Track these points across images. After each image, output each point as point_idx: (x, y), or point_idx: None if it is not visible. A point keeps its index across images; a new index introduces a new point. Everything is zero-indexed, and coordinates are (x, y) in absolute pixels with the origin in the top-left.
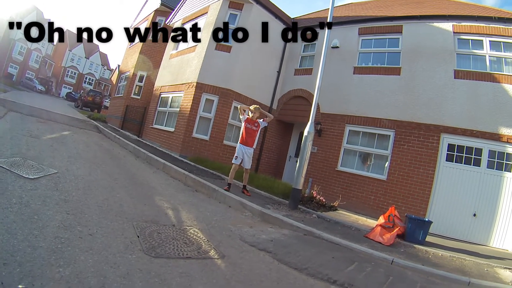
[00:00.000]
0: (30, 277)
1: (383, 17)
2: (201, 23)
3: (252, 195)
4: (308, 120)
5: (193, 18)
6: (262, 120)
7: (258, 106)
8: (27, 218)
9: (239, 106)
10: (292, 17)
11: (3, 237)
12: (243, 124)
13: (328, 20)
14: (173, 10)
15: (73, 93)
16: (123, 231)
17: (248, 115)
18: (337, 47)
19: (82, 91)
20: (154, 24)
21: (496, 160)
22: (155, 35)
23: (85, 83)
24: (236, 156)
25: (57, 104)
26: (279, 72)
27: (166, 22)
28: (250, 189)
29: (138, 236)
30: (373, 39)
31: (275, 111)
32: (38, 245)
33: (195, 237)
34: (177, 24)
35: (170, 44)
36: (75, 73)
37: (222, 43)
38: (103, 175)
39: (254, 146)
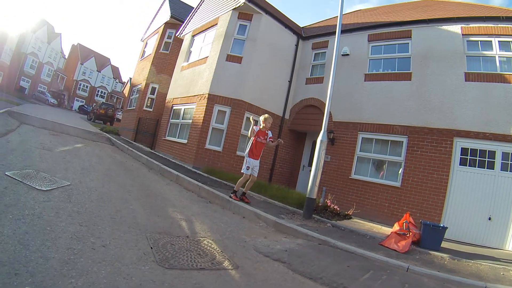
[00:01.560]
0: (42, 287)
1: (392, 22)
2: (211, 34)
3: (266, 205)
4: (321, 129)
5: (203, 30)
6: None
7: (268, 116)
8: (39, 229)
9: (250, 117)
10: (301, 26)
11: (15, 248)
12: (253, 137)
13: (337, 28)
14: (183, 22)
15: (86, 106)
16: (136, 243)
17: (260, 126)
18: (347, 54)
19: (94, 104)
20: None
21: (510, 162)
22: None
23: (97, 96)
24: (248, 167)
25: (69, 117)
26: (290, 81)
27: (176, 35)
28: (263, 200)
29: (151, 248)
30: (383, 45)
31: (287, 120)
32: (51, 256)
33: (209, 248)
34: (187, 36)
35: (181, 56)
36: (87, 86)
37: (233, 54)
38: (116, 187)
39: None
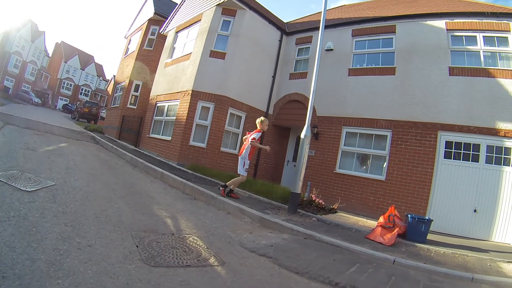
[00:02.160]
0: None
1: (376, 17)
2: (194, 30)
3: (251, 201)
4: (305, 124)
5: (187, 26)
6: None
7: (264, 118)
8: (25, 230)
9: (260, 120)
10: (285, 21)
11: (1, 250)
12: (251, 142)
13: (321, 23)
14: (167, 18)
15: (70, 104)
16: (122, 241)
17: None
18: (331, 49)
19: (78, 102)
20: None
21: (494, 154)
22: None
23: (81, 94)
24: (247, 169)
25: (53, 116)
26: (274, 77)
27: (160, 31)
28: (248, 195)
29: (137, 246)
30: (367, 40)
31: (271, 116)
32: (37, 257)
33: (194, 245)
34: (171, 33)
35: (165, 52)
36: (71, 85)
37: (216, 50)
38: (101, 186)
39: None
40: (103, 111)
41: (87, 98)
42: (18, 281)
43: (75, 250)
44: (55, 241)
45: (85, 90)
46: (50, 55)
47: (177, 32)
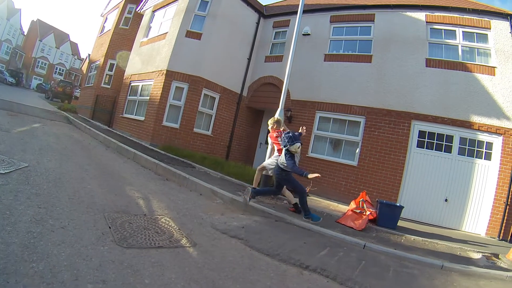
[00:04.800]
0: (5, 274)
1: (355, 5)
2: (171, 10)
3: (222, 182)
4: (278, 107)
5: (164, 5)
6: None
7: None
8: None
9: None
10: (263, 4)
11: None
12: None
13: (299, 8)
14: None
15: (44, 84)
16: (94, 223)
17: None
18: (308, 34)
19: (52, 82)
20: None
21: (467, 147)
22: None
23: (55, 73)
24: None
25: (28, 96)
26: (249, 59)
27: (137, 10)
28: (220, 177)
29: (109, 227)
30: (345, 26)
31: (245, 98)
32: (11, 241)
33: (166, 226)
34: (148, 12)
35: (141, 31)
36: (45, 64)
37: (193, 30)
38: (74, 167)
39: None
40: (77, 91)
41: (62, 78)
42: None
43: (48, 232)
44: (29, 224)
45: (60, 69)
46: (25, 33)
47: (154, 11)
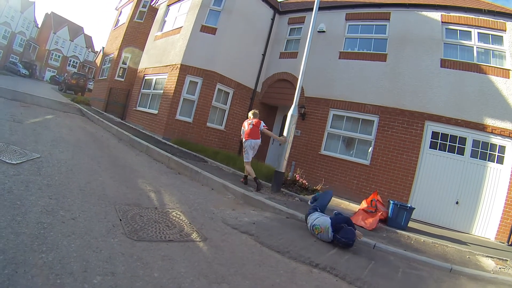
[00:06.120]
0: (14, 264)
1: (371, 3)
2: (186, 4)
3: (234, 177)
4: (292, 104)
5: (179, 0)
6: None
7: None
8: (9, 204)
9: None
10: (279, 0)
11: None
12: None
13: (315, 5)
14: None
15: (57, 76)
16: (105, 215)
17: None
18: (324, 31)
19: (66, 74)
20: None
21: (480, 149)
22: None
23: (69, 66)
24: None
25: (41, 88)
26: (264, 55)
27: (151, 4)
28: (232, 172)
29: (120, 220)
30: (360, 24)
31: (259, 93)
32: (21, 231)
33: (177, 219)
34: (163, 6)
35: (155, 25)
36: (59, 56)
37: (208, 25)
38: (86, 159)
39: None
40: (90, 83)
41: (75, 70)
42: (2, 256)
43: (59, 223)
44: (39, 215)
45: (73, 62)
46: (39, 26)
47: (168, 6)
